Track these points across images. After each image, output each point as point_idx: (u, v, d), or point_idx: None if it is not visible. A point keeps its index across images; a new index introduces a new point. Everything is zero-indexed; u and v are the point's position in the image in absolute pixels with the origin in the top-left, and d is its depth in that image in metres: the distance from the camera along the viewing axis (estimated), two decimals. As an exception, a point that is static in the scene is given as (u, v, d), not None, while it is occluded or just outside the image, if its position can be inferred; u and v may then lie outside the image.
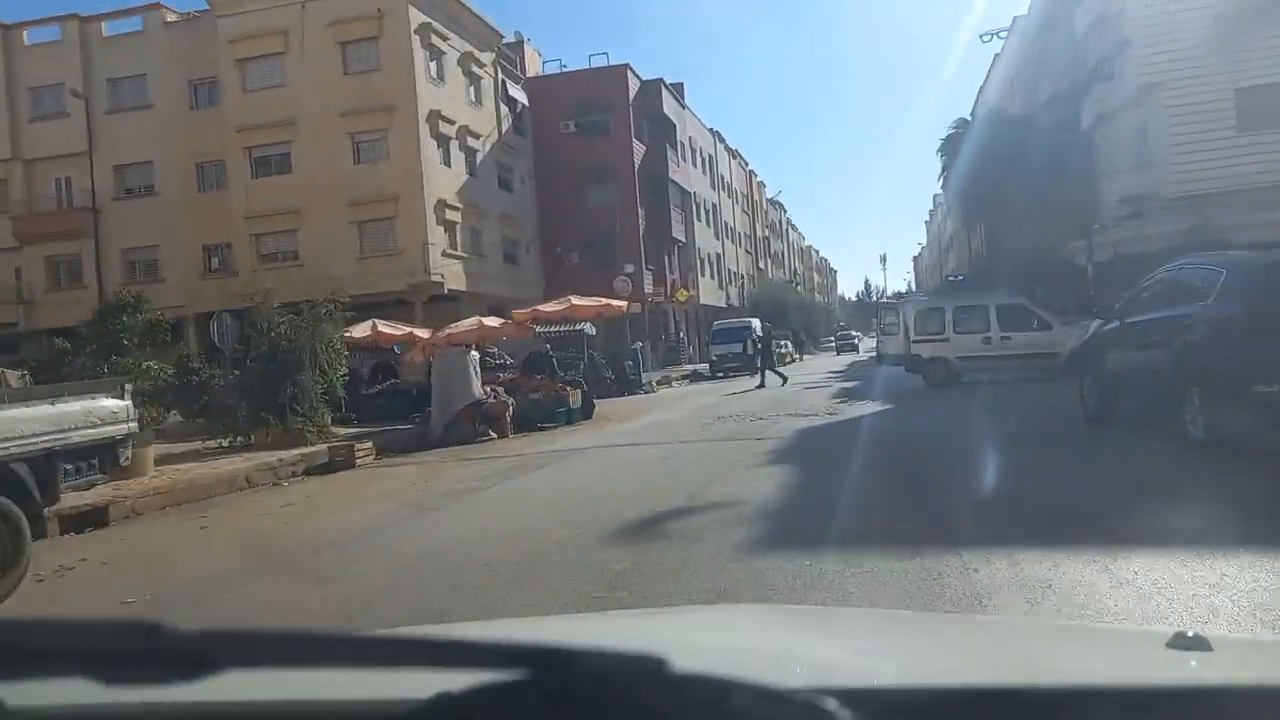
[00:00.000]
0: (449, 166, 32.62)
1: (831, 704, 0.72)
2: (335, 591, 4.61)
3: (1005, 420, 11.44)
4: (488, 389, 14.98)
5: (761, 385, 23.51)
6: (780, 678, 0.89)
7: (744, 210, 67.87)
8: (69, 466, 5.52)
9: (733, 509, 6.04)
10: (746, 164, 70.08)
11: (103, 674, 0.71)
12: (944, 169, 37.50)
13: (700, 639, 1.59)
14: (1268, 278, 6.97)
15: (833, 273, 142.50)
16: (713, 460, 8.93)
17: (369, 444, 12.14)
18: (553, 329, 27.51)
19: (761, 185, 77.35)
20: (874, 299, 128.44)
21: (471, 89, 34.98)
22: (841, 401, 16.70)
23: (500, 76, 37.31)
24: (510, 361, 20.39)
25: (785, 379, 24.08)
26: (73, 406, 5.63)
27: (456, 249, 32.53)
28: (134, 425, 6.02)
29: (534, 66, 43.97)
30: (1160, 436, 7.91)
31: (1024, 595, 3.53)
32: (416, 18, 30.48)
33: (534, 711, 0.71)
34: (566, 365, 23.34)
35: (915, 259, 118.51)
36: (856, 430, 11.20)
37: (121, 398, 6.05)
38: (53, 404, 5.60)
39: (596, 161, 40.75)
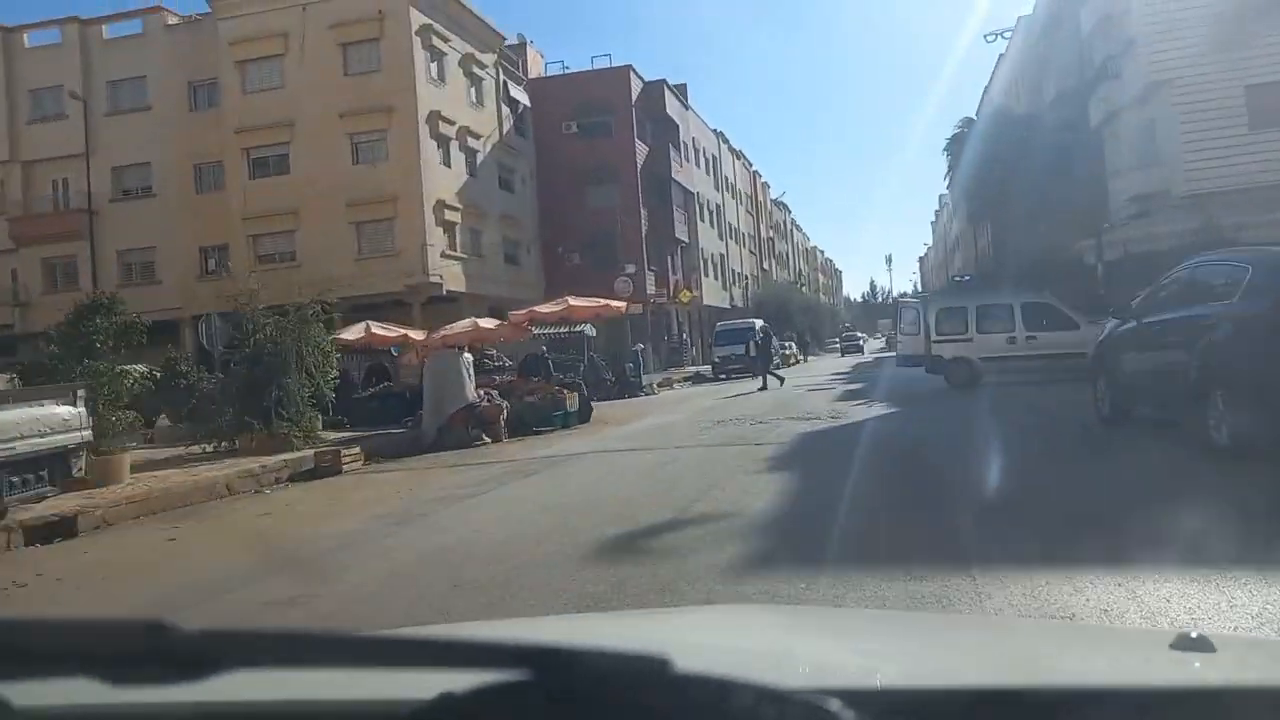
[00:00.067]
0: (449, 167, 32.33)
1: (834, 704, 0.72)
2: (288, 616, 4.23)
3: (1015, 424, 11.05)
4: (481, 392, 14.62)
5: (764, 387, 23.17)
6: (782, 678, 0.89)
7: (748, 211, 67.48)
8: (14, 479, 5.15)
9: (726, 522, 5.66)
10: (750, 164, 69.68)
11: (106, 674, 0.71)
12: (949, 169, 37.16)
13: (702, 639, 1.58)
14: (1297, 274, 6.59)
15: (838, 274, 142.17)
16: (709, 467, 8.55)
17: (357, 449, 11.77)
18: (552, 330, 27.23)
19: (766, 186, 76.97)
20: (880, 300, 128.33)
21: (473, 90, 34.67)
22: (845, 404, 16.28)
23: (502, 77, 37.01)
24: (510, 364, 20.06)
25: (782, 381, 23.72)
26: (16, 414, 5.27)
27: (456, 250, 32.23)
28: (87, 433, 5.67)
29: (536, 68, 43.69)
30: (1181, 441, 7.52)
31: (1044, 625, 3.14)
32: (418, 19, 30.21)
33: (536, 711, 0.71)
34: (566, 367, 23.03)
35: (921, 260, 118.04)
36: (860, 435, 10.80)
37: (74, 404, 5.70)
38: (-7, 411, 5.25)
39: (599, 162, 40.44)
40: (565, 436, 14.13)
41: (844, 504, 6.00)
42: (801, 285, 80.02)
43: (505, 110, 37.27)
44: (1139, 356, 8.40)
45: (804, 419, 13.32)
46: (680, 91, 48.19)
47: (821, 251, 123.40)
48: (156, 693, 0.72)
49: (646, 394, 25.63)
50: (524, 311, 18.85)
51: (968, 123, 36.39)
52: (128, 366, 10.89)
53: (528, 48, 42.86)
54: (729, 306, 53.83)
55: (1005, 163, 28.09)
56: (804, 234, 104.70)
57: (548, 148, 40.39)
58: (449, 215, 31.96)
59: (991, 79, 44.60)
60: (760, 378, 24.08)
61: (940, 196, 75.38)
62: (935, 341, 18.15)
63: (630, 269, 35.46)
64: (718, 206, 56.08)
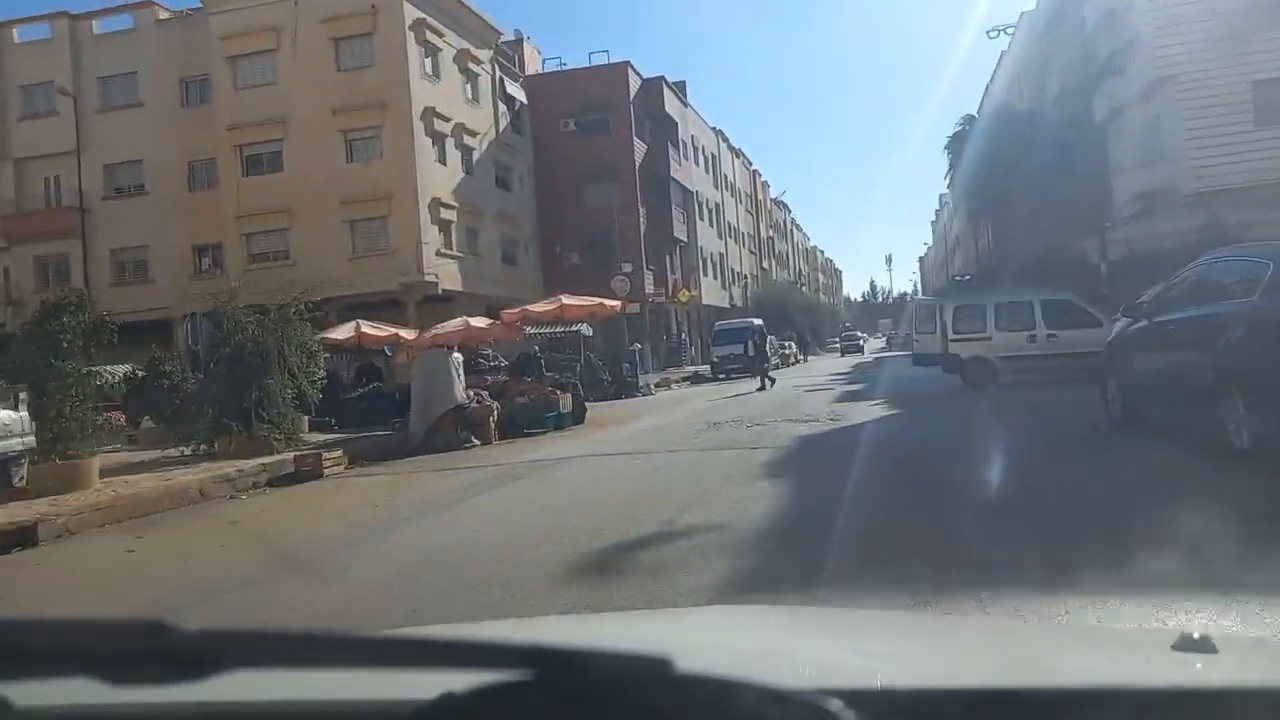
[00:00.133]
0: (444, 165, 31.97)
1: (836, 704, 0.72)
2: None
3: (1020, 426, 10.67)
4: (471, 393, 14.23)
5: (762, 388, 22.85)
6: (785, 678, 0.89)
7: (748, 210, 67.09)
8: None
9: (715, 536, 5.27)
10: (750, 163, 69.28)
11: (107, 674, 0.72)
12: (950, 167, 36.75)
13: (704, 640, 1.58)
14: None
15: (838, 273, 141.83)
16: (702, 473, 8.16)
17: (339, 452, 11.38)
18: (548, 330, 26.85)
19: (765, 185, 76.58)
20: (880, 300, 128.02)
21: (468, 86, 34.29)
22: (844, 405, 15.89)
23: (498, 74, 36.63)
24: (505, 364, 19.68)
25: (773, 382, 23.34)
26: (-53, 419, 4.90)
27: (452, 249, 31.87)
28: (30, 439, 5.30)
29: (533, 64, 43.29)
30: (1198, 445, 7.13)
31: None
32: (411, 13, 29.83)
33: (539, 712, 0.72)
34: (563, 367, 22.66)
35: (921, 259, 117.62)
36: (861, 439, 10.41)
37: (15, 409, 5.32)
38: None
39: (597, 160, 40.06)
40: (557, 439, 13.75)
41: (842, 515, 5.61)
42: (801, 285, 79.65)
43: (502, 107, 36.88)
44: (1152, 357, 8.00)
45: (802, 421, 12.94)
46: (679, 89, 47.79)
47: (821, 251, 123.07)
48: (157, 693, 0.72)
49: (644, 394, 25.24)
50: (516, 310, 18.47)
51: (969, 120, 35.96)
52: (106, 367, 10.53)
53: (524, 44, 42.46)
54: (728, 306, 53.45)
55: (1007, 160, 27.70)
56: (804, 234, 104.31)
57: (545, 145, 40.01)
58: (444, 214, 31.60)
59: (993, 76, 44.22)
60: (758, 378, 23.76)
61: (941, 196, 75.08)
62: (952, 340, 17.58)
63: (627, 268, 35.06)
64: (717, 205, 55.69)
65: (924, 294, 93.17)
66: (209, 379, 12.53)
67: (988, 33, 29.54)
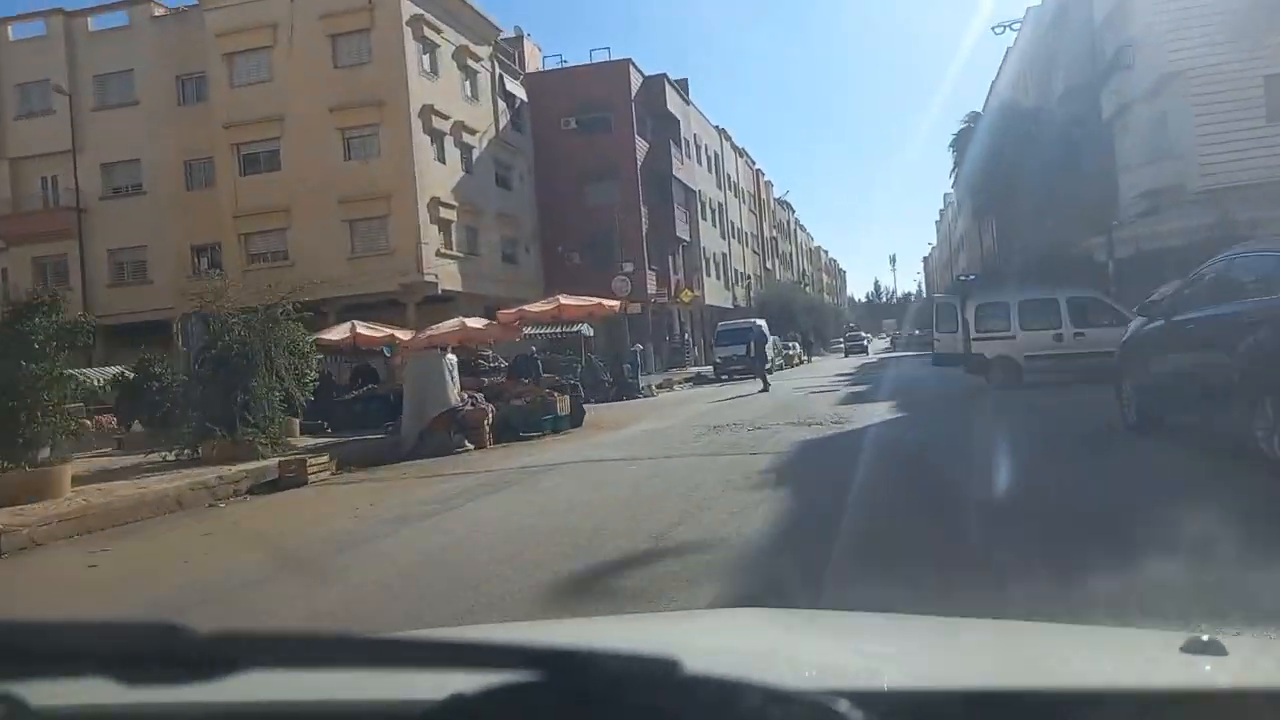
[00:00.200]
0: (443, 163, 31.62)
1: (843, 705, 0.73)
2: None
3: (1030, 430, 10.29)
4: (465, 395, 13.87)
5: (765, 389, 22.46)
6: (790, 679, 0.90)
7: (751, 210, 66.68)
8: None
9: (707, 554, 4.90)
10: (753, 162, 68.87)
11: (122, 674, 0.73)
12: (955, 165, 36.34)
13: (708, 642, 1.59)
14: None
15: (841, 273, 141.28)
16: (698, 480, 7.79)
17: (325, 457, 11.00)
18: (548, 330, 26.50)
19: (769, 185, 76.18)
20: (884, 300, 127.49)
21: (467, 84, 33.93)
22: (848, 408, 15.51)
23: (498, 71, 36.26)
24: (506, 365, 19.33)
25: (766, 386, 22.93)
26: None
27: (451, 248, 31.54)
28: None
29: (534, 62, 42.91)
30: (1223, 452, 6.75)
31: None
32: (408, 9, 29.47)
33: (547, 713, 0.72)
34: (564, 369, 22.30)
35: (925, 259, 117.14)
36: (865, 443, 10.04)
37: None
38: None
39: (598, 159, 39.70)
40: (553, 443, 13.39)
41: (843, 530, 5.24)
42: (805, 285, 79.24)
43: (502, 105, 36.52)
44: (1170, 358, 7.61)
45: (804, 425, 12.57)
46: (681, 87, 47.39)
47: (825, 251, 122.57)
48: (170, 693, 0.73)
49: (645, 396, 24.85)
50: (513, 310, 18.10)
51: (974, 118, 35.53)
52: (84, 370, 10.19)
53: (525, 41, 42.08)
54: (731, 306, 53.06)
55: (1012, 158, 27.33)
56: (808, 234, 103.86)
57: (546, 144, 39.66)
58: (444, 213, 31.26)
59: (999, 73, 43.82)
60: (760, 379, 23.38)
61: (945, 196, 74.72)
62: (975, 339, 17.06)
63: (628, 267, 34.70)
64: (720, 205, 55.30)
65: (928, 294, 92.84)
66: (193, 381, 12.17)
67: (993, 28, 29.13)
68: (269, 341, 11.80)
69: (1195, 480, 6.27)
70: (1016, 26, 32.78)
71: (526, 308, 18.10)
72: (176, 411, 11.95)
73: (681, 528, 5.66)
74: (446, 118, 31.48)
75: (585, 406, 17.74)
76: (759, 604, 3.96)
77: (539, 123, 39.76)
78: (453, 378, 13.62)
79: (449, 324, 16.97)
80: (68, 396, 9.03)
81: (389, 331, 18.78)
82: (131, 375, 15.06)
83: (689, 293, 43.47)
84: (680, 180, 44.77)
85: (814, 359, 50.65)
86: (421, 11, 30.03)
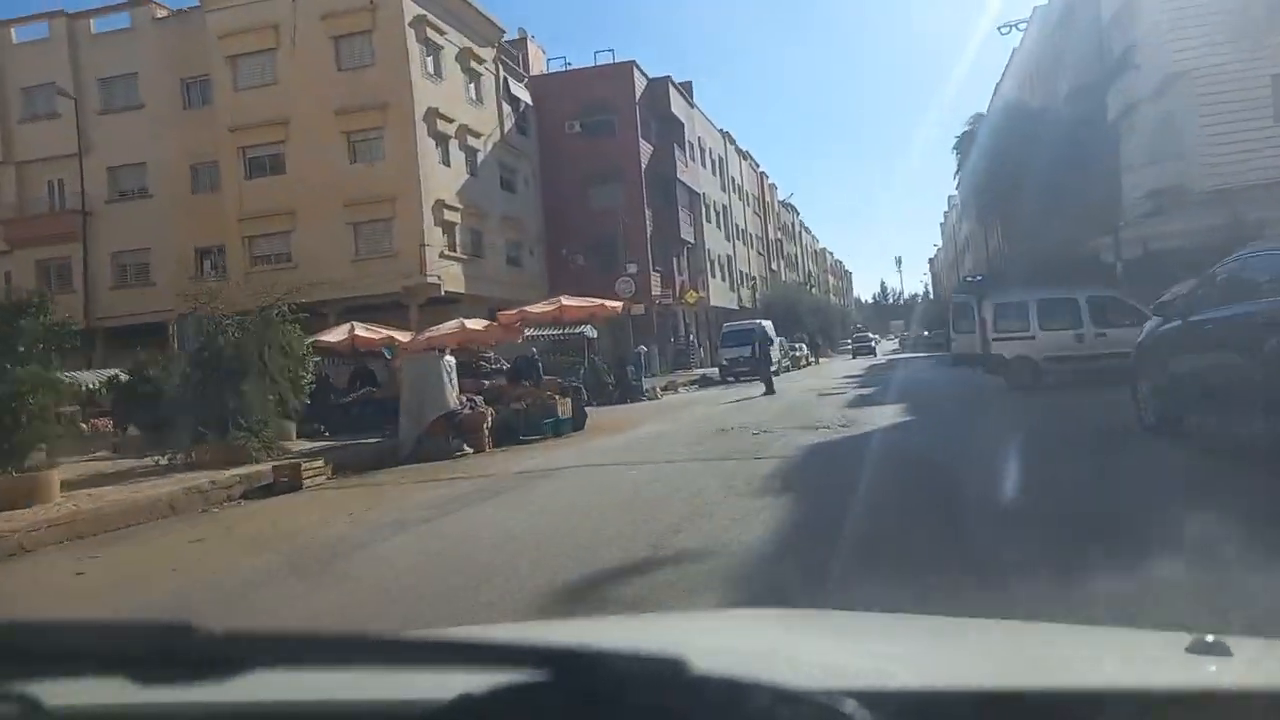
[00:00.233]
0: (448, 166, 31.49)
1: (850, 705, 0.73)
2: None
3: (1042, 432, 10.08)
4: (464, 398, 13.70)
5: (770, 391, 22.24)
6: (796, 679, 0.91)
7: (755, 212, 66.47)
8: None
9: (706, 563, 4.72)
10: (758, 165, 68.66)
11: (134, 674, 0.74)
12: (960, 167, 36.11)
13: (715, 642, 1.59)
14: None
15: (847, 275, 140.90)
16: (699, 486, 7.60)
17: (320, 462, 10.84)
18: (551, 332, 26.33)
19: (773, 187, 75.97)
20: (890, 301, 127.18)
21: (471, 86, 33.80)
22: (856, 410, 15.29)
23: (502, 74, 36.12)
24: (509, 367, 19.15)
25: (766, 389, 22.69)
26: None
27: (455, 251, 31.41)
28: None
29: (538, 64, 42.76)
30: (1247, 456, 6.53)
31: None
32: (411, 10, 29.33)
33: (554, 712, 0.73)
34: (567, 371, 22.12)
35: (931, 261, 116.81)
36: (873, 447, 9.84)
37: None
38: None
39: (602, 162, 39.56)
40: (553, 446, 13.21)
41: (849, 538, 5.05)
42: (811, 287, 78.90)
43: (506, 108, 36.39)
44: (1189, 359, 7.40)
45: (810, 428, 12.37)
46: (686, 89, 47.21)
47: (831, 253, 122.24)
48: (182, 692, 0.73)
49: (649, 398, 24.65)
50: (514, 312, 17.91)
51: (979, 119, 35.31)
52: (73, 373, 10.02)
53: (529, 44, 41.93)
54: (737, 308, 52.86)
55: (1017, 158, 27.09)
56: (813, 236, 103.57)
57: (550, 147, 39.52)
58: (448, 215, 31.14)
59: (1004, 74, 43.58)
60: (764, 381, 23.13)
61: (950, 197, 74.43)
62: (994, 340, 16.72)
63: (632, 269, 34.52)
64: (724, 207, 55.12)
65: (935, 295, 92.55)
66: (186, 384, 12.00)
67: (999, 28, 29.07)
68: (263, 344, 11.62)
69: (1217, 483, 6.05)
70: (1022, 26, 32.63)
71: (527, 309, 17.91)
72: (171, 415, 11.76)
73: (681, 535, 5.48)
74: (451, 120, 31.35)
75: (588, 409, 17.57)
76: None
77: (543, 125, 39.63)
78: (451, 380, 13.46)
79: (448, 325, 16.80)
80: (57, 400, 8.84)
81: (388, 333, 18.61)
82: (126, 378, 14.86)
83: (694, 294, 43.29)
84: (684, 183, 44.59)
85: (821, 360, 50.39)
86: (424, 12, 29.90)
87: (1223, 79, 22.25)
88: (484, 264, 33.27)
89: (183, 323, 14.10)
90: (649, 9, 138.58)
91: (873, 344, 63.23)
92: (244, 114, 29.91)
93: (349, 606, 4.62)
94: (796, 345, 44.95)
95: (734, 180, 58.46)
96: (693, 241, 46.23)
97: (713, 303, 49.39)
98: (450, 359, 13.84)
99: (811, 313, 58.76)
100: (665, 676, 0.71)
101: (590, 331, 27.36)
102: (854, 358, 54.04)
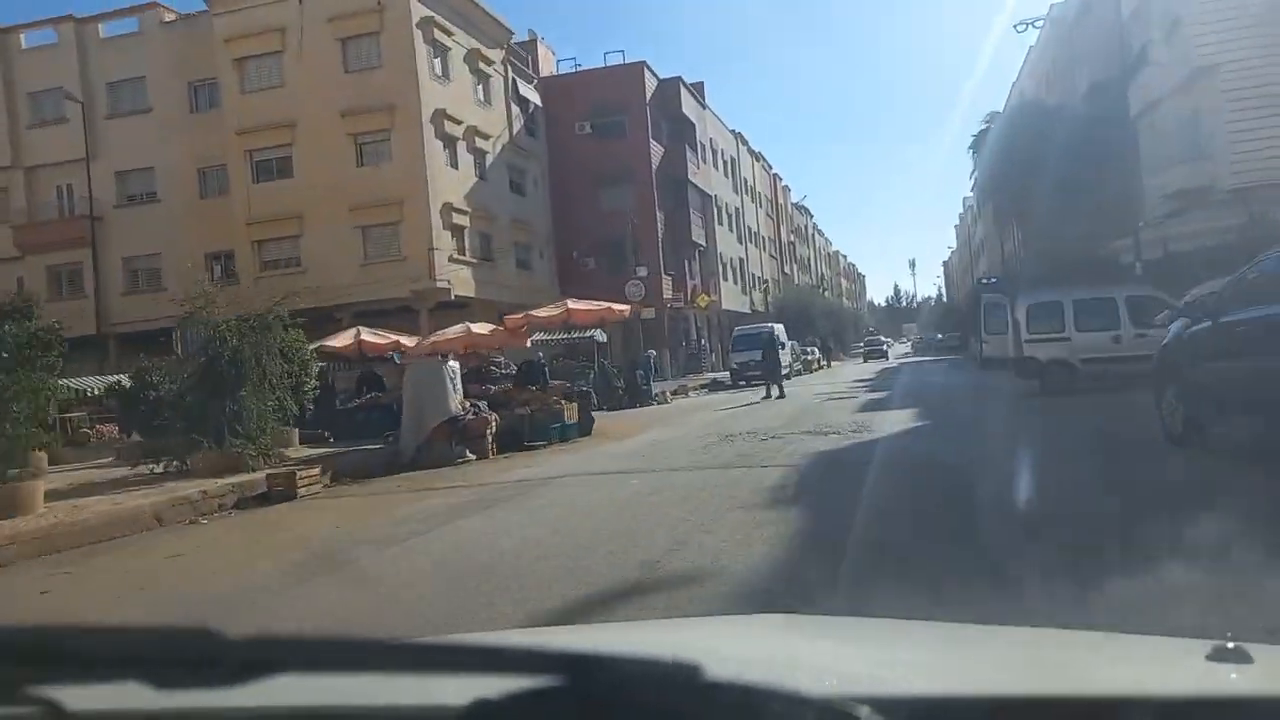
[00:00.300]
0: (456, 169, 31.25)
1: (864, 711, 0.73)
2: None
3: (1063, 437, 9.68)
4: (468, 404, 13.39)
5: (781, 395, 21.86)
6: (811, 686, 0.89)
7: (768, 214, 66.03)
8: None
9: (702, 587, 4.36)
10: (771, 167, 68.21)
11: (155, 678, 0.74)
12: (975, 168, 35.66)
13: (728, 648, 1.57)
14: None
15: (861, 278, 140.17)
16: (703, 498, 7.24)
17: (317, 470, 10.52)
18: (562, 336, 26.03)
19: (786, 189, 75.49)
20: (904, 304, 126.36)
21: (480, 88, 33.55)
22: (867, 415, 14.89)
23: (511, 75, 35.86)
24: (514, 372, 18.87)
25: (769, 393, 22.29)
26: None
27: (464, 254, 31.16)
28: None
29: (548, 66, 42.51)
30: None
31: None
32: (419, 11, 29.11)
33: (569, 717, 0.73)
34: (576, 375, 21.82)
35: (945, 263, 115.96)
36: (885, 455, 9.45)
37: None
38: None
39: (613, 163, 39.24)
40: (557, 453, 12.88)
41: (860, 555, 4.68)
42: (824, 290, 78.38)
43: (515, 109, 36.11)
44: (1221, 363, 6.96)
45: (820, 434, 11.99)
46: (697, 90, 46.84)
47: (844, 256, 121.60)
48: (201, 697, 0.74)
49: (659, 403, 24.30)
50: (520, 315, 17.59)
51: (994, 118, 34.86)
52: (66, 380, 9.74)
53: (539, 45, 41.68)
54: (749, 311, 52.44)
55: (1033, 158, 26.65)
56: (826, 238, 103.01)
57: (560, 148, 39.24)
58: (457, 218, 30.90)
59: (1020, 73, 43.05)
60: (774, 386, 22.73)
61: (964, 199, 73.79)
62: (1027, 341, 16.18)
63: (642, 272, 34.18)
64: (737, 209, 54.71)
65: (948, 298, 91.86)
66: (181, 390, 11.73)
67: (1015, 26, 28.60)
68: (260, 349, 11.33)
69: (1258, 496, 5.64)
70: (1039, 24, 32.11)
71: (533, 313, 17.59)
72: (169, 422, 11.49)
73: (677, 554, 5.11)
74: (459, 122, 31.11)
75: (597, 414, 17.26)
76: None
77: (553, 127, 39.36)
78: (454, 385, 13.15)
79: (453, 330, 16.50)
80: (36, 407, 8.55)
81: (395, 338, 18.34)
82: (129, 383, 14.63)
83: (705, 297, 42.92)
84: (696, 185, 44.23)
85: (833, 364, 49.93)
86: (432, 14, 29.67)
87: (1256, 72, 21.71)
88: (494, 268, 33.01)
89: (186, 327, 13.84)
90: (661, 11, 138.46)
91: (885, 348, 62.80)
92: (251, 117, 29.77)
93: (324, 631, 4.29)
94: (808, 349, 44.53)
95: (746, 182, 58.05)
96: (704, 244, 45.85)
97: (725, 306, 48.99)
98: (454, 364, 13.54)
99: (824, 316, 58.29)
100: (679, 682, 0.71)
101: (600, 336, 27.07)
102: (865, 361, 53.61)
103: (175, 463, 11.02)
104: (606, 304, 19.06)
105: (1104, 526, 5.01)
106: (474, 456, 12.66)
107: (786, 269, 71.33)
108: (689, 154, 43.26)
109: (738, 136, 56.11)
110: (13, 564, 6.92)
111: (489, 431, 13.25)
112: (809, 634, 1.81)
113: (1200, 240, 21.07)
